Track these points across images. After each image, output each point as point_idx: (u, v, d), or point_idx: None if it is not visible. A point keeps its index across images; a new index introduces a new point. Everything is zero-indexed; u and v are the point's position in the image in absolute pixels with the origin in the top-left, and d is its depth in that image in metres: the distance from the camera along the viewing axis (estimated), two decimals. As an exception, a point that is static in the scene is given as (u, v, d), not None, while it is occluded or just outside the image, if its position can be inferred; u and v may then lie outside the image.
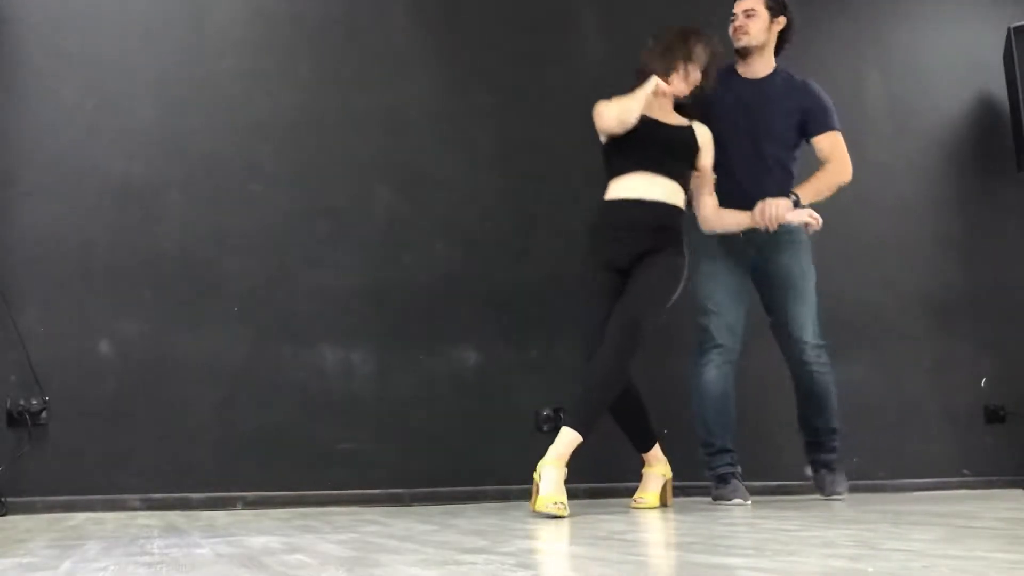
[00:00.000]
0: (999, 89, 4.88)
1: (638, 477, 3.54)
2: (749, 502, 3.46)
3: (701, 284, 3.60)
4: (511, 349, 4.06)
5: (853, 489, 4.34)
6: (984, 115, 4.99)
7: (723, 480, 3.53)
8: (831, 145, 3.61)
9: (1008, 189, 4.91)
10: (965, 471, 4.62)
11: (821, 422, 3.66)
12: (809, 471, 3.77)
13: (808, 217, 3.36)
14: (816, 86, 3.68)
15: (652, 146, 3.27)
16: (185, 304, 3.69)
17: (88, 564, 1.69)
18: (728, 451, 3.56)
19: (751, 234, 3.52)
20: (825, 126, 3.63)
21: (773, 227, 3.38)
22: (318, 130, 3.95)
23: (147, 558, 1.77)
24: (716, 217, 3.47)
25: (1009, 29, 4.71)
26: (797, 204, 3.42)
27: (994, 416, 4.73)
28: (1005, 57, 4.80)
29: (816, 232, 3.45)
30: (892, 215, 4.77)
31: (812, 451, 3.71)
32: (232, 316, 3.73)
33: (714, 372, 3.53)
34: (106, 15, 3.78)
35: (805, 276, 3.61)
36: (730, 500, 3.44)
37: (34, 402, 3.45)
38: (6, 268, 3.51)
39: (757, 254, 3.60)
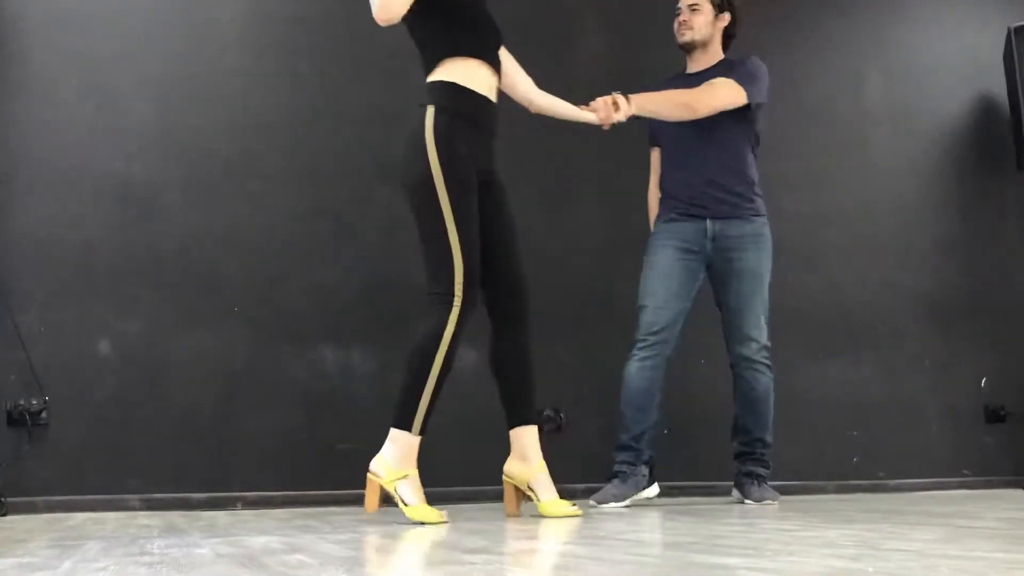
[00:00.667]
0: (999, 89, 4.88)
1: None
2: (621, 504, 3.33)
3: (644, 274, 3.50)
4: (511, 349, 4.06)
5: (853, 489, 4.35)
6: (984, 115, 4.99)
7: (610, 478, 3.41)
8: (716, 83, 3.42)
9: (1008, 189, 4.91)
10: (965, 471, 4.62)
11: (756, 429, 3.49)
12: (734, 485, 3.57)
13: (617, 117, 3.16)
14: (755, 59, 3.53)
15: (476, 24, 2.87)
16: (185, 304, 3.69)
17: (88, 564, 1.69)
18: (631, 448, 3.41)
19: (717, 228, 3.47)
20: (728, 75, 3.45)
21: (606, 125, 3.19)
22: (318, 130, 3.95)
23: (147, 558, 1.77)
24: (542, 97, 3.18)
25: (1009, 29, 4.71)
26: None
27: (994, 416, 4.73)
28: (1005, 57, 4.80)
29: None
30: (892, 215, 4.77)
31: (742, 461, 3.53)
32: (232, 316, 3.73)
33: (636, 366, 3.42)
34: (106, 15, 3.78)
35: (766, 275, 3.51)
36: (599, 504, 3.31)
37: (34, 402, 3.45)
38: (6, 268, 3.51)
39: (719, 251, 3.49)
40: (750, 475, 3.51)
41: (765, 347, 3.48)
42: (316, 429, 3.76)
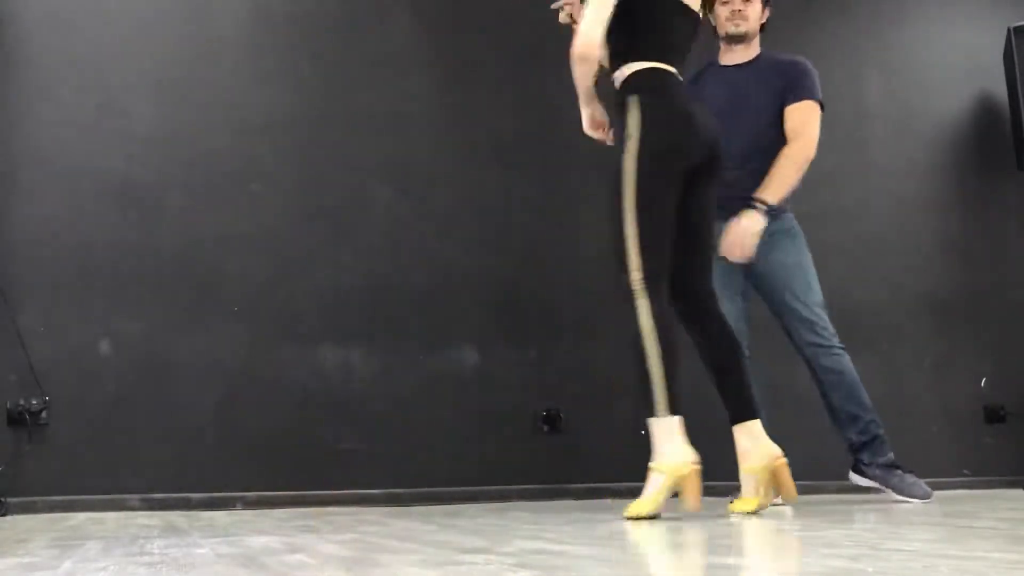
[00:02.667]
0: (999, 89, 4.88)
1: (639, 476, 3.51)
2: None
3: None
4: (511, 349, 4.06)
5: (852, 489, 4.34)
6: (984, 115, 4.99)
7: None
8: (802, 118, 3.32)
9: (1008, 189, 4.91)
10: (965, 471, 4.62)
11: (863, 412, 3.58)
12: (862, 476, 3.59)
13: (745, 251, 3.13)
14: (804, 60, 3.44)
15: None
16: (185, 304, 3.69)
17: (88, 564, 1.69)
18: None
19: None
20: (801, 94, 3.34)
21: (747, 257, 3.17)
22: (318, 130, 3.95)
23: (147, 558, 1.77)
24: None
25: (1009, 29, 4.71)
26: (772, 210, 3.18)
27: (994, 416, 4.72)
28: (1005, 57, 4.80)
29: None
30: (892, 215, 4.77)
31: (859, 450, 3.58)
32: (232, 316, 3.73)
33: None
34: (106, 15, 3.78)
35: (799, 266, 3.43)
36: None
37: (34, 402, 3.46)
38: (6, 268, 3.51)
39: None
40: (885, 465, 3.53)
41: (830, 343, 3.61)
42: (316, 429, 3.76)
